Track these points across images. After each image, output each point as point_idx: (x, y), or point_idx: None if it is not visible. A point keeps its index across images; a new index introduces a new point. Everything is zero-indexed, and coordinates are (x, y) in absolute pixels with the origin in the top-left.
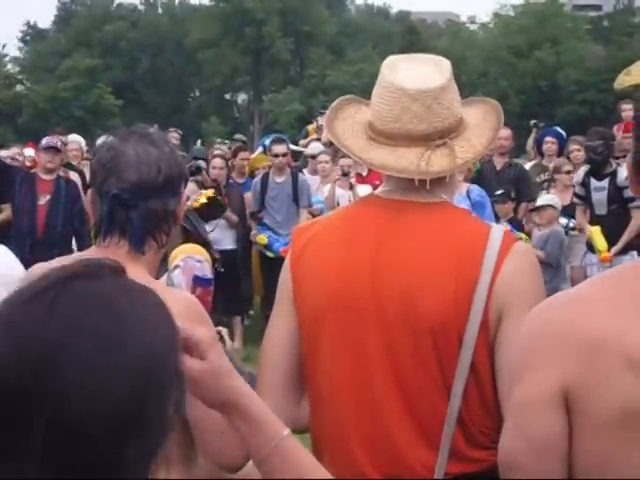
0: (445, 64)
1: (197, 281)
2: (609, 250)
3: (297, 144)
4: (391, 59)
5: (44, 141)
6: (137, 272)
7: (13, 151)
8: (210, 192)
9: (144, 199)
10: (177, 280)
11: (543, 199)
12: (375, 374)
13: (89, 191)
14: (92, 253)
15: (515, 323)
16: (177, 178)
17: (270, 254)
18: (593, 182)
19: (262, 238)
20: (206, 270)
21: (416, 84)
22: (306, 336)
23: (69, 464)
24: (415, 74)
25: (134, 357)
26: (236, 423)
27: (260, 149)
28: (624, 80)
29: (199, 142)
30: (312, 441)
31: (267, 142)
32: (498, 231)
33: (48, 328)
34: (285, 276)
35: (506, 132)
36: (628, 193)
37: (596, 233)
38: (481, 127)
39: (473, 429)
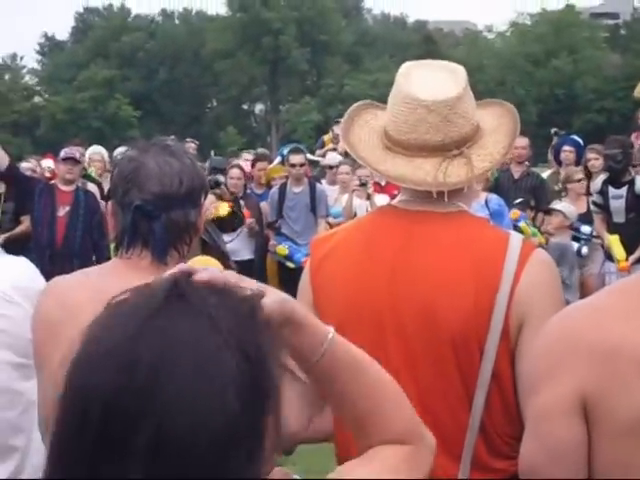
0: (460, 71)
1: None
2: (627, 259)
3: (314, 154)
4: (406, 66)
5: (63, 152)
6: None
7: (33, 163)
8: (228, 205)
9: (166, 210)
10: None
11: (554, 204)
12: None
13: (109, 203)
14: (115, 265)
15: (535, 332)
16: (198, 189)
17: (291, 264)
18: (611, 190)
19: (282, 249)
20: None
21: (432, 94)
22: None
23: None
24: (430, 83)
25: (235, 367)
26: (289, 337)
27: (278, 159)
28: None
29: (212, 153)
30: (336, 448)
31: (285, 152)
32: (517, 240)
33: (148, 345)
34: (305, 288)
35: (524, 141)
36: None
37: (615, 242)
38: (497, 133)
39: (495, 438)
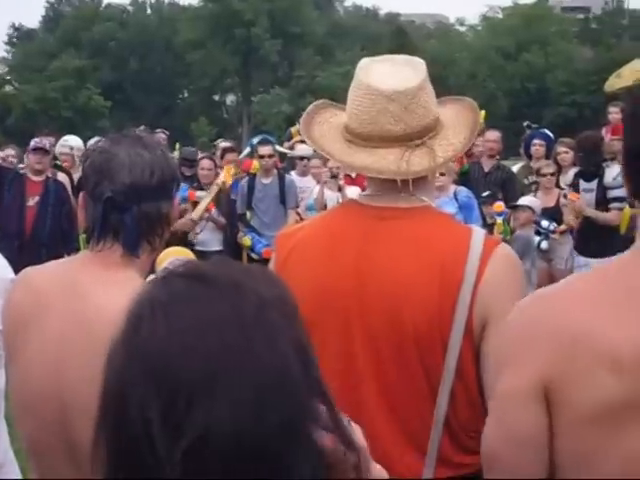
0: (419, 64)
1: None
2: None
3: (282, 146)
4: (365, 61)
5: (32, 142)
6: (130, 276)
7: (6, 152)
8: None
9: (138, 202)
10: None
11: (521, 200)
12: (361, 382)
13: (81, 195)
14: (86, 257)
15: (499, 326)
16: (170, 181)
17: (254, 255)
18: (582, 183)
19: (246, 240)
20: None
21: (392, 85)
22: None
23: None
24: (390, 75)
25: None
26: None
27: (248, 149)
28: (615, 82)
29: (177, 145)
30: None
31: (255, 142)
32: (479, 235)
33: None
34: None
35: (495, 134)
36: (612, 193)
37: (625, 215)
38: (458, 125)
39: (460, 434)
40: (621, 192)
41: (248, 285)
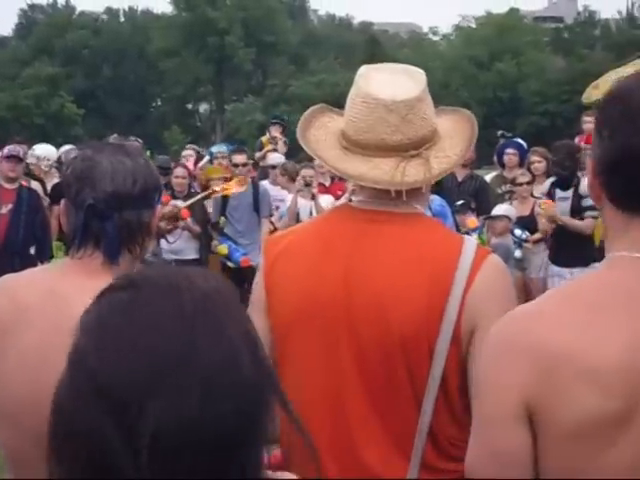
0: (419, 74)
1: None
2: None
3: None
4: (366, 69)
5: (6, 150)
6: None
7: None
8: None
9: (119, 210)
10: None
11: (497, 209)
12: (346, 386)
13: (62, 202)
14: (66, 265)
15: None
16: (152, 190)
17: (231, 264)
18: (558, 192)
19: (222, 248)
20: None
21: (391, 94)
22: (278, 349)
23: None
24: (390, 84)
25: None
26: None
27: (207, 158)
28: (592, 94)
29: (148, 152)
30: (282, 452)
31: (214, 151)
32: (471, 243)
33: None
34: (258, 288)
35: None
36: (587, 202)
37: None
38: (454, 137)
39: (442, 440)
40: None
41: (184, 283)
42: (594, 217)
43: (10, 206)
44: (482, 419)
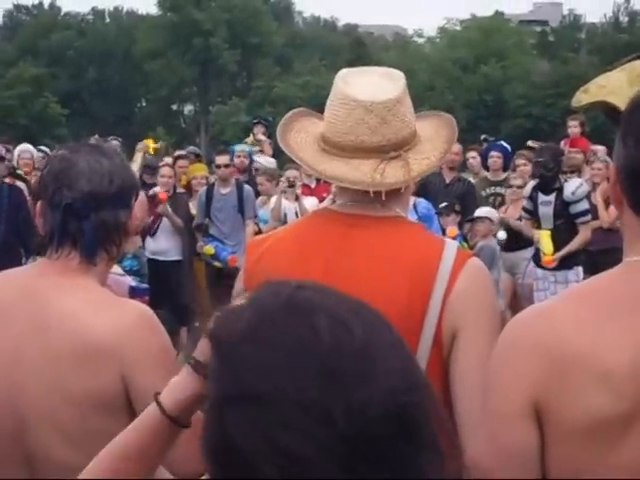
0: (399, 76)
1: (133, 292)
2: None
3: None
4: (345, 72)
5: None
6: (88, 283)
7: None
8: None
9: (96, 209)
10: None
11: (479, 211)
12: None
13: (38, 203)
14: (43, 265)
15: (469, 339)
16: (128, 189)
17: (218, 264)
18: (540, 196)
19: (209, 249)
20: (129, 281)
21: (371, 96)
22: None
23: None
24: (370, 86)
25: None
26: None
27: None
28: (581, 98)
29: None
30: None
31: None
32: (452, 247)
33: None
34: (239, 291)
35: (457, 147)
36: (575, 208)
37: (545, 236)
38: (435, 140)
39: None
40: (584, 205)
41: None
42: (585, 222)
43: None
44: (490, 415)
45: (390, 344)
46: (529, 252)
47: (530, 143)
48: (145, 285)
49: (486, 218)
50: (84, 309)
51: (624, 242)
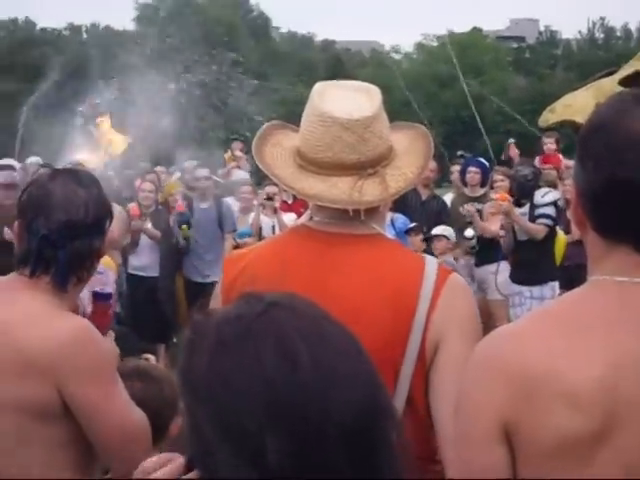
0: (375, 92)
1: (96, 297)
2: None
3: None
4: (321, 85)
5: None
6: (35, 297)
7: None
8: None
9: (71, 239)
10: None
11: (437, 229)
12: None
13: (16, 222)
14: (14, 281)
15: (449, 350)
16: (103, 218)
17: (199, 279)
18: (515, 209)
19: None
20: (108, 281)
21: (347, 113)
22: None
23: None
24: (346, 102)
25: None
26: None
27: (178, 174)
28: (548, 117)
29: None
30: None
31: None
32: (432, 263)
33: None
34: (215, 306)
35: (432, 164)
36: (539, 211)
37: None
38: (411, 154)
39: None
40: (549, 210)
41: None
42: (546, 225)
43: None
44: (460, 438)
45: (344, 375)
46: (494, 266)
47: (460, 153)
48: (109, 290)
49: (443, 236)
50: (19, 322)
51: (588, 261)
